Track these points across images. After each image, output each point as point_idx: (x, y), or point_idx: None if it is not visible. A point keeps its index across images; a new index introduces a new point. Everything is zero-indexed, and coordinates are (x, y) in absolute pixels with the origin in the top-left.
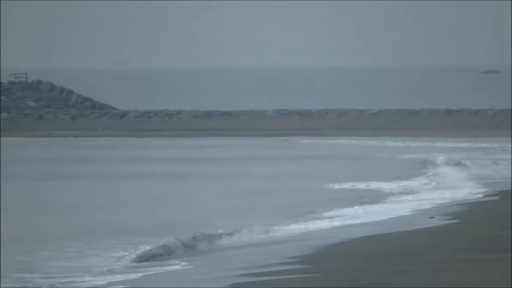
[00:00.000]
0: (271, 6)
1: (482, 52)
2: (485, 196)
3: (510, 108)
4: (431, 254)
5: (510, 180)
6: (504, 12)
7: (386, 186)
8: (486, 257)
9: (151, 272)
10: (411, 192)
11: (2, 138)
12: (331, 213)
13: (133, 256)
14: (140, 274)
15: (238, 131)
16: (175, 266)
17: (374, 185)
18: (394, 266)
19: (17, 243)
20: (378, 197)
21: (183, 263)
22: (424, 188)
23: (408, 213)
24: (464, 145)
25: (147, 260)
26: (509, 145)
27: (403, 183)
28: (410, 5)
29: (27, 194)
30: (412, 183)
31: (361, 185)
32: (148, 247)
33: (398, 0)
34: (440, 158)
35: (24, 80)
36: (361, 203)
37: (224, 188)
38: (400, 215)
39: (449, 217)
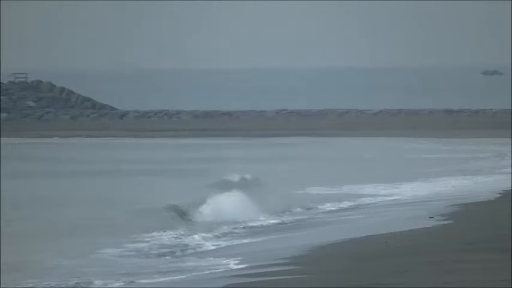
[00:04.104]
0: (272, 6)
1: (482, 52)
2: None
3: (510, 108)
4: (431, 254)
5: None
6: (504, 12)
7: (368, 189)
8: (486, 257)
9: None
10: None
11: (2, 138)
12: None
13: (133, 255)
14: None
15: (238, 131)
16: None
17: (348, 187)
18: (394, 266)
19: (17, 242)
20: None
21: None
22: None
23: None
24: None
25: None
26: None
27: (391, 186)
28: (411, 5)
29: (27, 194)
30: (407, 187)
31: (337, 189)
32: (143, 245)
33: (398, 0)
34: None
35: (24, 80)
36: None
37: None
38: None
39: (449, 217)
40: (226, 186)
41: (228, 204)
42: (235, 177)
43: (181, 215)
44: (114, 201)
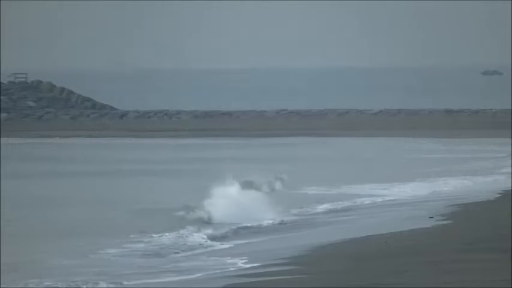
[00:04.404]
0: (272, 6)
1: (482, 52)
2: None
3: (510, 108)
4: (431, 254)
5: None
6: (504, 12)
7: (368, 189)
8: (486, 257)
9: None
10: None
11: (2, 138)
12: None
13: (133, 254)
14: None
15: (238, 131)
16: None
17: (348, 187)
18: (394, 266)
19: (17, 242)
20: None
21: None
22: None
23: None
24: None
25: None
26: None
27: (385, 187)
28: (411, 5)
29: (27, 194)
30: (407, 187)
31: (334, 190)
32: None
33: (398, 0)
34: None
35: (24, 80)
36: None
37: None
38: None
39: (448, 217)
40: (234, 186)
41: (237, 204)
42: (246, 179)
43: (188, 215)
44: (114, 201)
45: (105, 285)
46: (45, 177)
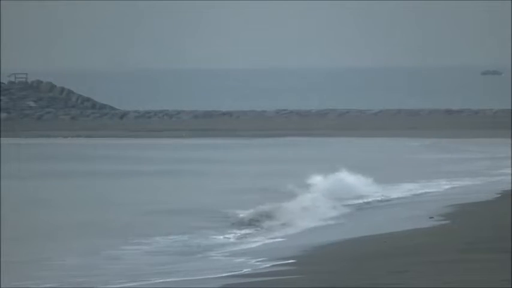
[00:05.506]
0: (271, 6)
1: (482, 52)
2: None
3: (510, 108)
4: (431, 254)
5: None
6: (504, 12)
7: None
8: (486, 257)
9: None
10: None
11: (2, 138)
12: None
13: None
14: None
15: (238, 131)
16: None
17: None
18: (394, 266)
19: (17, 242)
20: None
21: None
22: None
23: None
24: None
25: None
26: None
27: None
28: (410, 5)
29: (27, 194)
30: (407, 187)
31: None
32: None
33: (398, 1)
34: None
35: (24, 80)
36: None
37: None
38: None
39: (448, 217)
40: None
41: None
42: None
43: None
44: (114, 202)
45: (106, 286)
46: (45, 177)
